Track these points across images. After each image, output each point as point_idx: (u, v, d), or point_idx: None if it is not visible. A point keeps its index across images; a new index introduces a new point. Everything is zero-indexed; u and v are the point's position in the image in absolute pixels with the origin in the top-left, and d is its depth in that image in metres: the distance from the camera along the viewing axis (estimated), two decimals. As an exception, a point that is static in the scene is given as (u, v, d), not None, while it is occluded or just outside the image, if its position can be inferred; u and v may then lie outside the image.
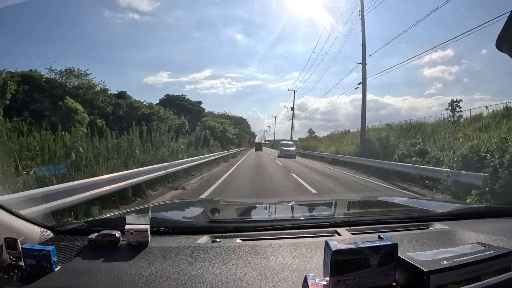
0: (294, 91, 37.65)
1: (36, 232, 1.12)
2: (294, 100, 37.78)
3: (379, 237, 0.81)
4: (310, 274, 0.78)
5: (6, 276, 0.91)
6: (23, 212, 1.16)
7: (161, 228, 1.18)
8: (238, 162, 16.11)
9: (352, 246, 0.75)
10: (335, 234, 1.22)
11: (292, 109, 37.93)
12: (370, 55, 15.57)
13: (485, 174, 5.42)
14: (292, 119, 38.12)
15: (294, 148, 24.17)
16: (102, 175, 4.57)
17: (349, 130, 26.04)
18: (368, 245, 0.75)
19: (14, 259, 0.94)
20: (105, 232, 1.06)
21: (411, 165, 8.78)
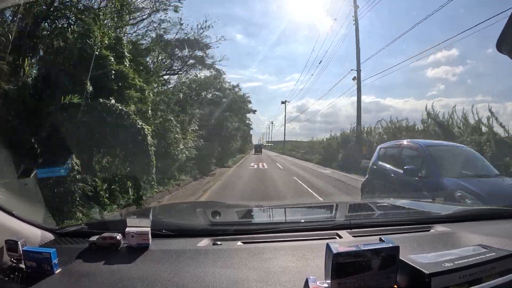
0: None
1: (37, 234, 1.12)
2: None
3: (381, 239, 0.81)
4: (311, 277, 0.77)
5: (7, 278, 0.90)
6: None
7: (162, 230, 1.18)
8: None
9: (353, 248, 0.74)
10: (336, 237, 1.22)
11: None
12: (363, 62, 16.00)
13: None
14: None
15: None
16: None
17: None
18: (369, 247, 0.75)
19: (14, 261, 0.94)
20: (106, 234, 1.06)
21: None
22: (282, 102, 42.62)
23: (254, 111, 25.47)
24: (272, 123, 67.73)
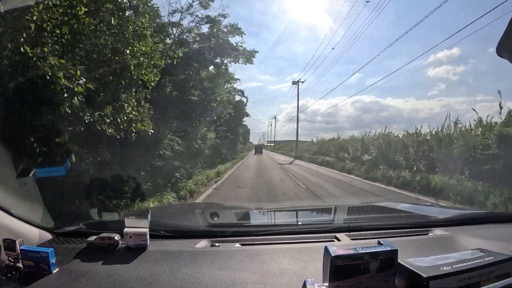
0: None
1: (35, 233, 1.12)
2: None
3: (379, 242, 0.81)
4: (309, 280, 0.77)
5: (4, 277, 0.90)
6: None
7: (160, 231, 1.18)
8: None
9: (352, 251, 0.74)
10: (335, 240, 1.22)
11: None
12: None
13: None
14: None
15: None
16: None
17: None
18: (367, 250, 0.75)
19: (12, 260, 0.94)
20: (104, 235, 1.06)
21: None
22: (294, 83, 30.19)
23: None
24: (276, 118, 58.05)
